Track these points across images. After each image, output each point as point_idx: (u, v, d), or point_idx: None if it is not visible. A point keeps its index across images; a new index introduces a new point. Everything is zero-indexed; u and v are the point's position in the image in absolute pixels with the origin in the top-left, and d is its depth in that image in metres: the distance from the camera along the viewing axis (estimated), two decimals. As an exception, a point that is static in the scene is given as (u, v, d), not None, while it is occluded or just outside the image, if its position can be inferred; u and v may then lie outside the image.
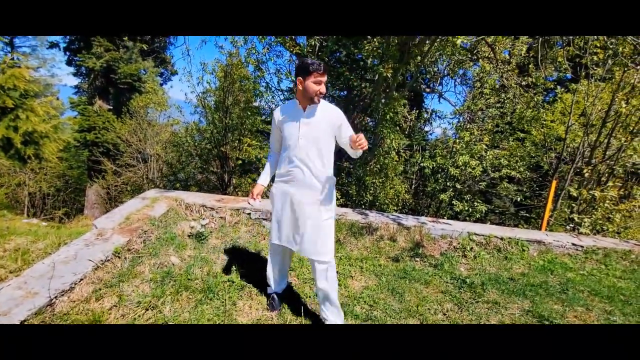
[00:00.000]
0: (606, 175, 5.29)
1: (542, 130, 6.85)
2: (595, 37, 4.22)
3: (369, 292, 2.60)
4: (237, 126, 7.70)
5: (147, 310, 2.10)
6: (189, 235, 3.15)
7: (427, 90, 8.63)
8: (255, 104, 7.72)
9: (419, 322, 2.32)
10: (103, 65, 12.59)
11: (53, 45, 12.62)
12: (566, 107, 6.31)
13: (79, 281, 2.11)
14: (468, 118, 7.10)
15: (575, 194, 4.99)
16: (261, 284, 2.46)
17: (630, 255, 3.68)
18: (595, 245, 3.74)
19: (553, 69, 6.75)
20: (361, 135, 1.80)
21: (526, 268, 3.31)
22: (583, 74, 5.52)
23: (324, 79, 1.87)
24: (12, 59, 9.06)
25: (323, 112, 1.97)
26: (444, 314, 2.44)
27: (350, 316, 2.29)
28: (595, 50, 4.74)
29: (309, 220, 1.97)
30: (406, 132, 7.51)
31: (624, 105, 4.33)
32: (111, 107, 13.59)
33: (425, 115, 8.99)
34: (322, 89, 1.87)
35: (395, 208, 6.59)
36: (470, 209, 6.20)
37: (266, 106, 7.27)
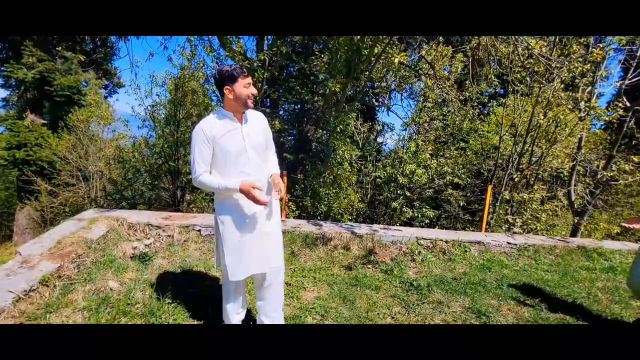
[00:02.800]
0: (533, 179, 5.92)
1: (480, 140, 7.51)
2: (518, 57, 4.78)
3: (321, 302, 2.62)
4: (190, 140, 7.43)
5: (79, 341, 1.92)
6: (131, 257, 2.95)
7: (377, 104, 9.08)
8: (209, 117, 7.52)
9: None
10: (36, 77, 11.54)
11: (-25, 54, 11.38)
12: (498, 119, 7.00)
13: (-4, 316, 1.88)
14: (415, 130, 7.57)
15: (508, 197, 5.50)
16: (211, 303, 2.37)
17: (555, 250, 4.11)
18: (527, 242, 4.13)
19: (485, 84, 7.49)
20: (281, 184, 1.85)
21: (468, 267, 3.55)
22: (511, 89, 6.19)
23: (250, 80, 1.77)
24: None
25: (255, 118, 1.91)
26: (392, 317, 2.53)
27: (302, 328, 2.29)
28: (517, 69, 5.35)
29: (276, 233, 1.95)
30: (359, 144, 7.80)
31: (542, 117, 4.92)
32: (45, 122, 12.45)
33: (378, 128, 9.41)
34: (253, 90, 1.78)
35: (350, 217, 6.76)
36: (420, 215, 6.55)
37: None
